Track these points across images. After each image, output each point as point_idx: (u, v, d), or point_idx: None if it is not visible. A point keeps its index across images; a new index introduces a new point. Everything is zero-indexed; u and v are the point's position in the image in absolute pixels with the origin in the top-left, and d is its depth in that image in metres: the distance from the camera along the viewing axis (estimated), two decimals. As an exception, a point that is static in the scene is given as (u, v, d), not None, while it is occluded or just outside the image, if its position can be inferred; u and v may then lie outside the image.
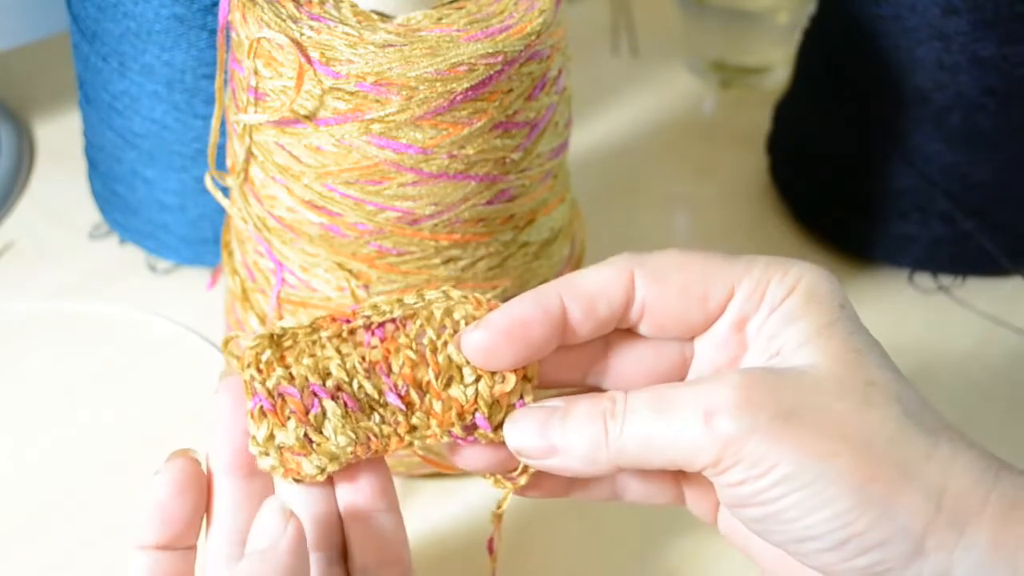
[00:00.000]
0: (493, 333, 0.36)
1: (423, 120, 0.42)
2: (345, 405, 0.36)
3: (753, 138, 0.71)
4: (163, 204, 0.61)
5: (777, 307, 0.35)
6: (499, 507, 0.39)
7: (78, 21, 0.58)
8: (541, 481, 0.39)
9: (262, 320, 0.50)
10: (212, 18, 0.54)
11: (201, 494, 0.36)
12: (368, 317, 0.37)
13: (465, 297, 0.38)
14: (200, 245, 0.62)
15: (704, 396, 0.34)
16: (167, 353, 0.59)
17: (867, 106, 0.61)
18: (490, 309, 0.37)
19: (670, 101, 0.76)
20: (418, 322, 0.37)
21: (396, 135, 0.42)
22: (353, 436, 0.35)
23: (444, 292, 0.38)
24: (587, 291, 0.36)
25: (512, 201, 0.46)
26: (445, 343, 0.37)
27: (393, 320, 0.37)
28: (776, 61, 0.76)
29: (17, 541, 0.51)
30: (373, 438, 0.36)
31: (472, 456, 0.38)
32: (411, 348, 0.37)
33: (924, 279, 0.64)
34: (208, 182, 0.50)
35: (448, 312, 0.37)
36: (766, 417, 0.33)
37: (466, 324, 0.37)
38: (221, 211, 0.59)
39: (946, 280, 0.64)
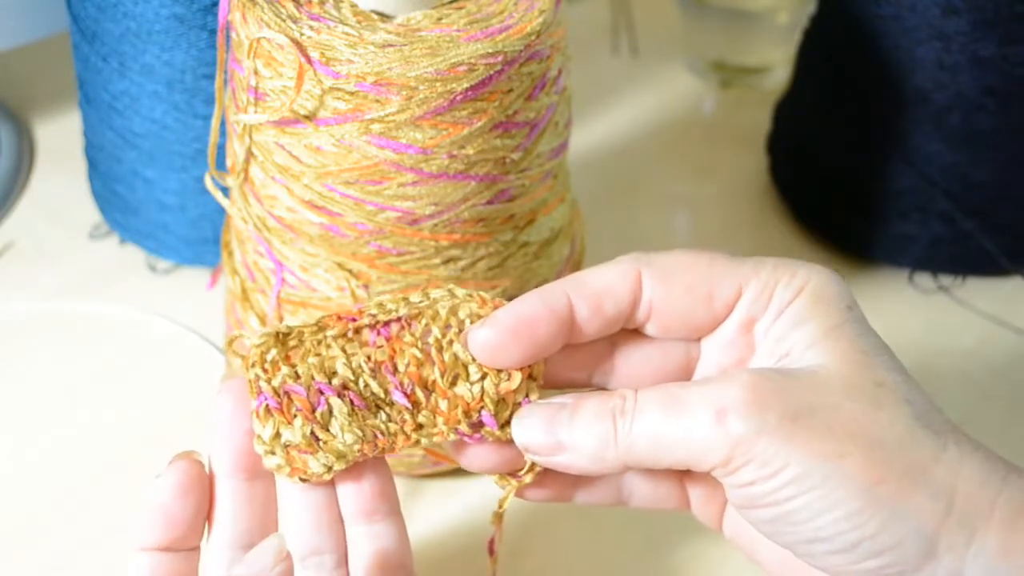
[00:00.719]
0: (499, 331, 0.36)
1: (423, 120, 0.42)
2: (351, 403, 0.36)
3: (753, 138, 0.71)
4: (163, 204, 0.61)
5: (784, 309, 0.35)
6: (500, 507, 0.39)
7: (78, 21, 0.58)
8: (546, 482, 0.39)
9: (262, 320, 0.50)
10: (212, 18, 0.54)
11: (204, 496, 0.36)
12: (374, 316, 0.37)
13: (470, 296, 0.38)
14: (200, 245, 0.62)
15: (715, 395, 0.33)
16: (167, 353, 0.59)
17: (867, 106, 0.61)
18: (495, 307, 0.37)
19: (670, 101, 0.76)
20: (423, 321, 0.37)
21: (396, 135, 0.42)
22: (360, 434, 0.35)
23: (449, 291, 0.38)
24: (594, 290, 0.36)
25: (512, 201, 0.46)
26: (451, 342, 0.37)
27: (398, 319, 0.37)
28: (776, 61, 0.76)
29: (17, 541, 0.51)
30: (380, 436, 0.36)
31: (477, 456, 0.38)
32: (416, 347, 0.37)
33: (924, 279, 0.64)
34: (208, 182, 0.50)
35: (453, 311, 0.38)
36: (775, 417, 0.33)
37: (471, 323, 0.37)
38: (221, 211, 0.59)
39: (946, 280, 0.64)
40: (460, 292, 0.38)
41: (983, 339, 0.61)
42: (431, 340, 0.37)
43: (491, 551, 0.41)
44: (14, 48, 0.78)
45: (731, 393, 0.33)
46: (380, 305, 0.38)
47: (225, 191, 0.50)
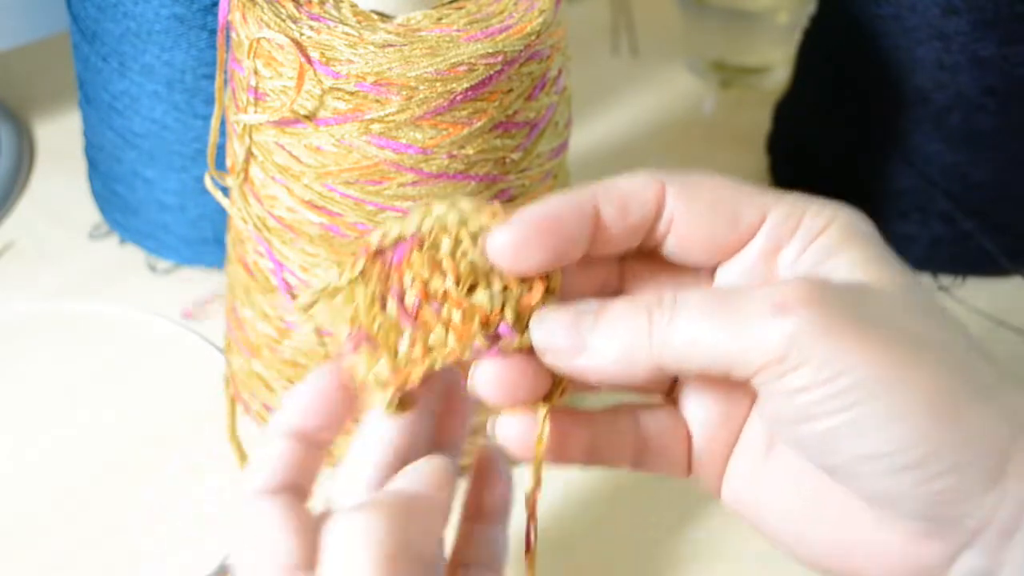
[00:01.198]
0: (523, 227, 0.34)
1: (423, 120, 0.42)
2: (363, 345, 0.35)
3: (753, 138, 0.71)
4: (163, 204, 0.61)
5: (814, 239, 0.34)
6: (542, 426, 0.35)
7: (78, 21, 0.58)
8: (562, 447, 0.36)
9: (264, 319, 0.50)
10: (212, 18, 0.54)
11: (351, 400, 0.35)
12: (381, 240, 0.36)
13: (478, 208, 0.36)
14: (200, 245, 0.62)
15: (773, 291, 0.31)
16: (167, 353, 0.59)
17: (867, 106, 0.61)
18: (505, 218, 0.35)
19: (670, 101, 0.76)
20: (432, 235, 0.35)
21: (396, 135, 0.42)
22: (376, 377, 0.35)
23: (454, 204, 0.36)
24: (621, 192, 0.35)
25: (512, 201, 0.46)
26: (464, 253, 0.35)
27: (408, 239, 0.36)
28: (776, 61, 0.76)
29: (17, 541, 0.51)
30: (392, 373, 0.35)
31: (493, 374, 0.35)
32: (425, 264, 0.35)
33: (924, 279, 0.64)
34: (208, 182, 0.50)
35: (463, 223, 0.36)
36: (839, 319, 0.30)
37: (483, 232, 0.35)
38: (221, 211, 0.59)
39: (946, 280, 0.64)
40: (467, 205, 0.36)
41: (983, 339, 0.60)
42: (442, 254, 0.35)
43: (530, 515, 0.37)
44: (14, 48, 0.78)
45: (791, 291, 0.31)
46: (383, 235, 0.36)
47: (225, 191, 0.50)
